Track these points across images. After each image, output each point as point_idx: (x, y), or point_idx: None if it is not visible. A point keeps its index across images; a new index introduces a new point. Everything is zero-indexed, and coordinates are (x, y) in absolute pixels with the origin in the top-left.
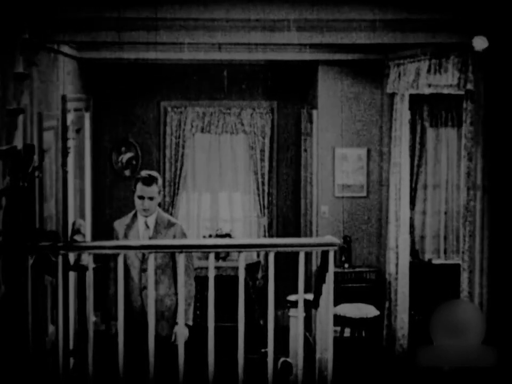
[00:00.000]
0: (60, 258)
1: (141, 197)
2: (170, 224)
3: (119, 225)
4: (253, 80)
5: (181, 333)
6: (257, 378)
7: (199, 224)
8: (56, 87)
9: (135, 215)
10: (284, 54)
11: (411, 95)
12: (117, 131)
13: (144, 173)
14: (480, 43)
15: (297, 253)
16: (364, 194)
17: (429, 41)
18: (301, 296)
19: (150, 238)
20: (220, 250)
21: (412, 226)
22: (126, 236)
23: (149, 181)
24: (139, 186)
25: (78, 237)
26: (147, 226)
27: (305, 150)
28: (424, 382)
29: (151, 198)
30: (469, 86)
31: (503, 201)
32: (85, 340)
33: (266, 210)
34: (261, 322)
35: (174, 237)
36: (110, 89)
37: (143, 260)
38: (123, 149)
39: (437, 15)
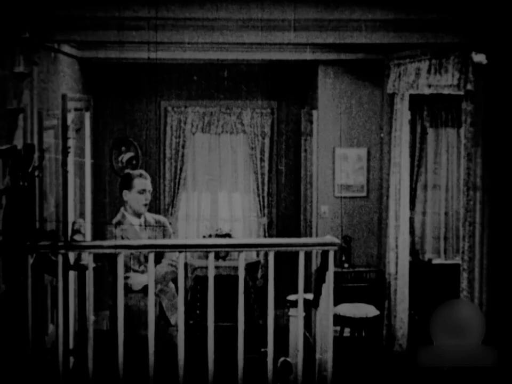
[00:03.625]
0: (60, 258)
1: (143, 191)
2: (157, 221)
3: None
4: (253, 80)
5: (182, 333)
6: (257, 378)
7: (199, 224)
8: (57, 87)
9: (124, 216)
10: (284, 54)
11: (411, 95)
12: (117, 131)
13: (133, 171)
14: (479, 58)
15: (297, 253)
16: (364, 194)
17: (429, 42)
18: (300, 295)
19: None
20: (219, 250)
21: (411, 226)
22: (126, 236)
23: (145, 175)
24: (138, 181)
25: (78, 237)
26: (140, 225)
27: (305, 150)
28: (424, 382)
29: (150, 191)
30: (469, 87)
31: (503, 202)
32: (84, 339)
33: (266, 210)
34: (261, 322)
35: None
36: (110, 88)
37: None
38: (123, 148)
39: (437, 15)
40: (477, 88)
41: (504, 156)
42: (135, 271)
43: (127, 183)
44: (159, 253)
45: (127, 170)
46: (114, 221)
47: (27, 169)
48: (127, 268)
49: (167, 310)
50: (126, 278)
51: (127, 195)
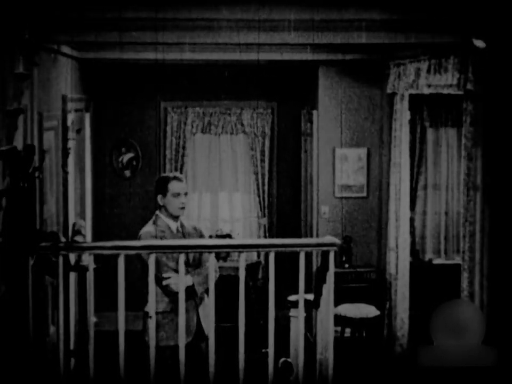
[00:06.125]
0: (61, 259)
1: (178, 194)
2: (195, 228)
3: (150, 234)
4: (253, 80)
5: (183, 336)
6: (257, 378)
7: (199, 224)
8: (57, 88)
9: (160, 218)
10: (284, 54)
11: (411, 95)
12: (117, 131)
13: (168, 174)
14: (480, 42)
15: (297, 253)
16: (364, 194)
17: (429, 41)
18: (301, 296)
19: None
20: (220, 250)
21: (412, 226)
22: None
23: (180, 177)
24: (173, 184)
25: (78, 238)
26: (177, 228)
27: (305, 150)
28: (424, 382)
29: (186, 194)
30: (469, 86)
31: (503, 202)
32: (85, 340)
33: (266, 211)
34: (261, 322)
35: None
36: (110, 89)
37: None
38: (123, 149)
39: (437, 15)
40: (477, 87)
41: (504, 155)
42: (176, 271)
43: (162, 187)
44: (200, 257)
45: (161, 174)
46: (146, 229)
47: (27, 170)
48: (167, 268)
49: (203, 320)
50: (165, 278)
51: (162, 200)
